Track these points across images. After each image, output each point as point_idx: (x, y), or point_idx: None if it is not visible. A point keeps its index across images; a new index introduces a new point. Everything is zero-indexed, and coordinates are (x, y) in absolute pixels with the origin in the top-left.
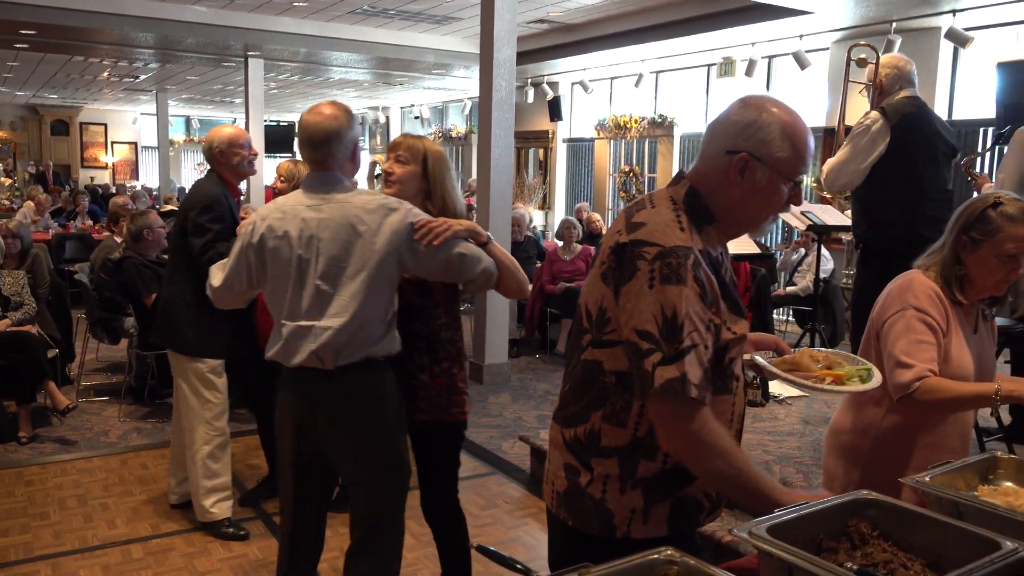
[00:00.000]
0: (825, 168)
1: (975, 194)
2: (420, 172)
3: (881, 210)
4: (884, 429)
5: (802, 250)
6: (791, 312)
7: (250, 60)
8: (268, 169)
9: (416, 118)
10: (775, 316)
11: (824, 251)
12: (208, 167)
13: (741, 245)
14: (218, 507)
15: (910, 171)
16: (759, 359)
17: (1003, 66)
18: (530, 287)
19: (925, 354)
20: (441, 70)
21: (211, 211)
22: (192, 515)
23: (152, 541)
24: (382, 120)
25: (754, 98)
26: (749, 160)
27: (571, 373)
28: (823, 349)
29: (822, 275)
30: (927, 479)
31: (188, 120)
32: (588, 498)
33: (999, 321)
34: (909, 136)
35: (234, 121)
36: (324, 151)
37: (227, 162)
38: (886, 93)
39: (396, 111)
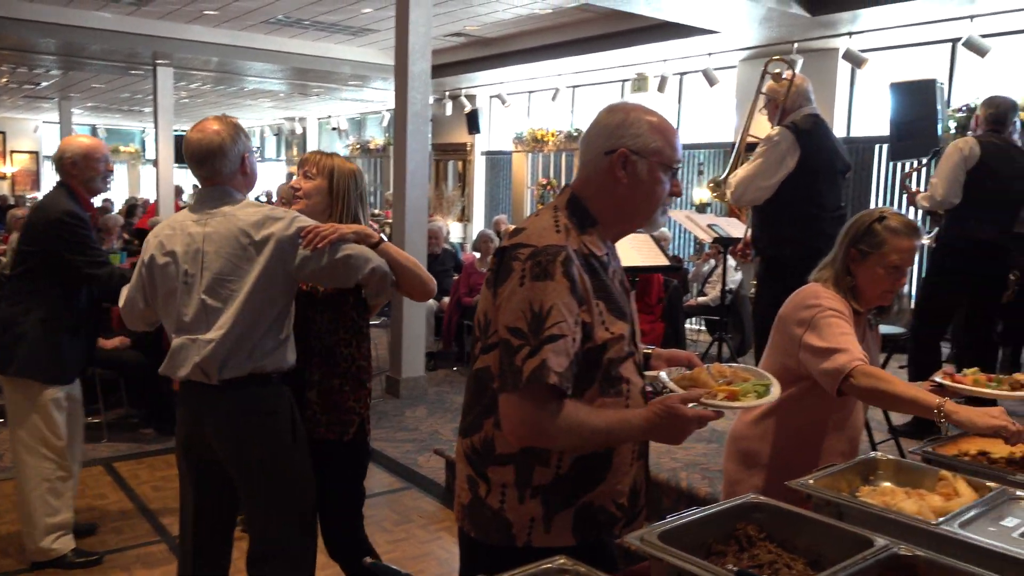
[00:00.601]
0: (733, 181)
1: (909, 207)
2: (326, 188)
3: (781, 225)
4: (783, 435)
5: (712, 261)
6: (703, 322)
7: (159, 68)
8: (181, 180)
9: (334, 129)
10: (689, 326)
11: (732, 262)
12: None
13: (651, 257)
14: (60, 542)
15: (809, 188)
16: (662, 375)
17: (896, 86)
18: (435, 287)
19: (854, 344)
20: (358, 82)
21: (84, 226)
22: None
23: None
24: (299, 131)
25: (618, 104)
26: (628, 154)
27: (467, 383)
28: (734, 364)
29: (731, 285)
30: (811, 482)
31: (94, 129)
32: (488, 509)
33: (888, 329)
34: (810, 153)
35: (143, 131)
36: (208, 167)
37: (80, 176)
38: (789, 111)
39: (313, 122)
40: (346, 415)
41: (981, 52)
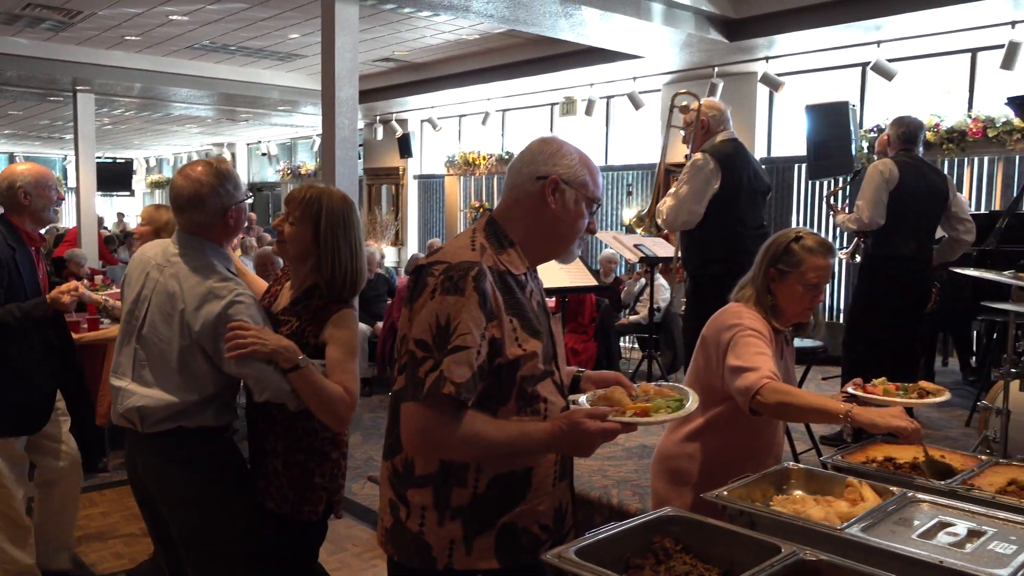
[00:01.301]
0: (663, 208)
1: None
2: (310, 236)
3: (707, 246)
4: (710, 453)
5: (643, 280)
6: (636, 340)
7: (79, 95)
8: (103, 210)
9: (263, 155)
10: (624, 344)
11: (663, 281)
12: None
13: (581, 277)
14: None
15: (732, 208)
16: (582, 399)
17: (811, 108)
18: (350, 416)
19: (766, 363)
20: (288, 107)
21: None
22: None
23: None
24: (227, 157)
25: (551, 136)
26: (559, 182)
27: (389, 405)
28: (663, 383)
29: (662, 303)
30: (725, 493)
31: (12, 157)
32: (408, 532)
33: (807, 343)
34: (731, 176)
35: (64, 159)
36: (186, 215)
37: (32, 206)
38: (711, 133)
39: (243, 148)
40: (314, 492)
41: (888, 75)
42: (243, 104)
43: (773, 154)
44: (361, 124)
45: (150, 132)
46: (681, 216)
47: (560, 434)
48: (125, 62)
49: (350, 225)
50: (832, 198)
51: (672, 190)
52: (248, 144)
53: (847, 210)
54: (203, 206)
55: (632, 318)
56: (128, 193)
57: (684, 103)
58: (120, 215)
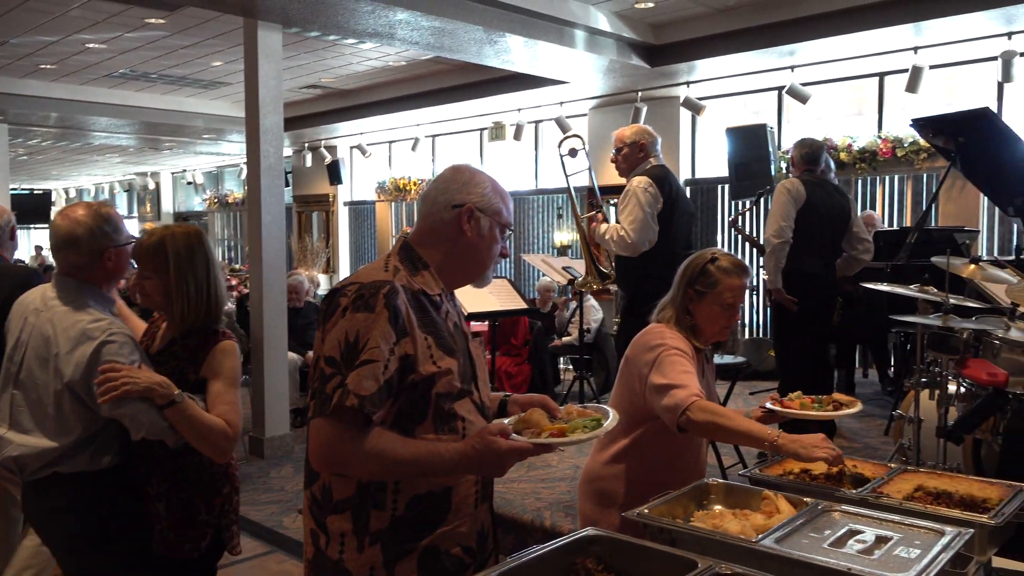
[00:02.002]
0: (622, 231)
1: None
2: (162, 286)
3: (644, 265)
4: (636, 473)
5: (573, 303)
6: (571, 362)
7: None
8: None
9: (189, 184)
10: (560, 366)
11: (595, 302)
12: None
13: (511, 301)
14: None
15: (668, 228)
16: (505, 421)
17: (731, 131)
18: (231, 446)
19: (693, 381)
20: (213, 135)
21: None
22: None
23: None
24: (151, 187)
25: (463, 165)
26: (474, 211)
27: (307, 433)
28: (589, 404)
29: (595, 324)
30: (646, 511)
31: None
32: (328, 561)
33: (730, 359)
34: (667, 197)
35: None
36: (61, 255)
37: None
38: (648, 156)
39: (167, 177)
40: (195, 529)
41: (802, 99)
42: (166, 133)
43: (697, 175)
44: (289, 151)
45: (69, 162)
46: (647, 235)
47: (472, 453)
48: (40, 91)
49: (196, 256)
50: (739, 220)
51: (623, 216)
52: (173, 173)
53: (748, 230)
54: (78, 246)
55: (564, 340)
56: (46, 226)
57: (571, 147)
58: (38, 248)
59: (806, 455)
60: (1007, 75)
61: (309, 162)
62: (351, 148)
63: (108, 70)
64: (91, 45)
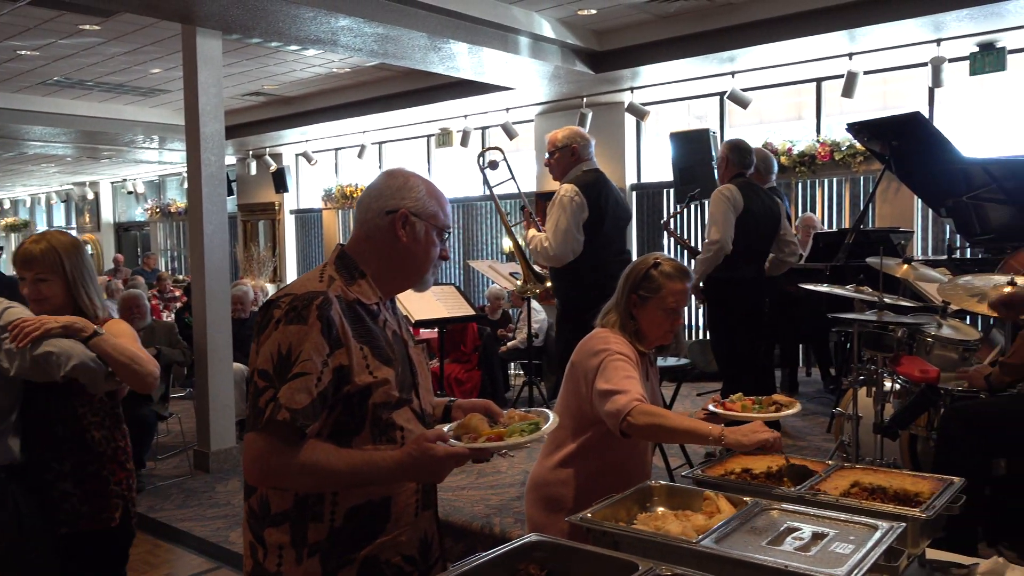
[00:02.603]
0: (546, 243)
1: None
2: (62, 284)
3: (577, 272)
4: (583, 478)
5: (517, 309)
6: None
7: None
8: None
9: (129, 193)
10: (512, 371)
11: (537, 305)
12: None
13: (459, 308)
14: None
15: (598, 235)
16: (446, 427)
17: (675, 136)
18: (155, 379)
19: (635, 386)
20: (153, 143)
21: None
22: None
23: None
24: (90, 197)
25: (397, 169)
26: (408, 216)
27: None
28: (532, 409)
29: (537, 326)
30: (590, 515)
31: None
32: (267, 573)
33: (676, 362)
34: (596, 204)
35: None
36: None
37: None
38: (581, 160)
39: (107, 186)
40: (113, 499)
41: (743, 104)
42: (105, 141)
43: (643, 180)
44: (233, 159)
45: (2, 172)
46: (570, 246)
47: (409, 460)
48: None
49: (82, 257)
50: (671, 222)
51: (548, 226)
52: (113, 183)
53: (680, 232)
54: None
55: (511, 344)
56: None
57: (492, 158)
58: None
59: (748, 441)
60: (937, 80)
61: (254, 170)
62: (297, 156)
63: (42, 77)
64: (23, 52)
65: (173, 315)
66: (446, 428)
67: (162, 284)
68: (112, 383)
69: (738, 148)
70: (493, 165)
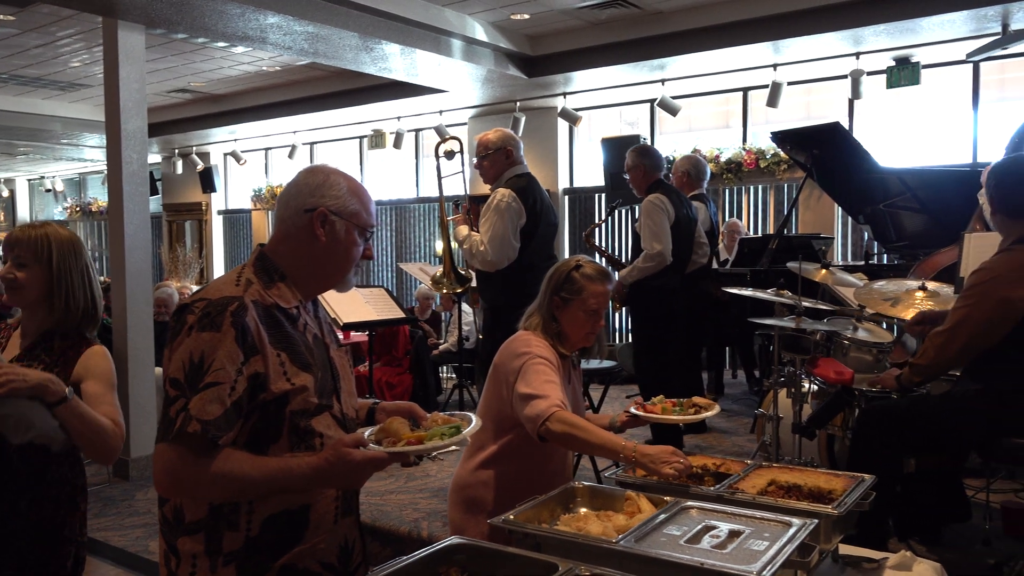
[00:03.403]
0: (483, 247)
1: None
2: (44, 277)
3: (506, 276)
4: (504, 480)
5: (448, 313)
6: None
7: None
8: None
9: (48, 191)
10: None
11: (467, 308)
12: None
13: (389, 310)
14: None
15: (530, 241)
16: (367, 431)
17: (606, 141)
18: (118, 448)
19: (555, 391)
20: (73, 140)
21: None
22: None
23: None
24: (5, 194)
25: (318, 166)
26: (327, 214)
27: None
28: (457, 412)
29: (467, 328)
30: (512, 517)
31: None
32: None
33: (604, 364)
34: (528, 209)
35: None
36: None
37: None
38: (515, 163)
39: (23, 184)
40: (62, 547)
41: (673, 111)
42: (21, 137)
43: (575, 184)
44: (158, 158)
45: None
46: (505, 252)
47: (327, 466)
48: None
49: (80, 257)
50: (593, 234)
51: (483, 230)
52: (30, 180)
53: (602, 244)
54: None
55: (442, 347)
56: None
57: (448, 148)
58: None
59: (653, 470)
60: (856, 92)
61: (180, 169)
62: (225, 155)
63: None
64: None
65: None
66: (367, 432)
67: None
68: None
69: (648, 153)
70: (450, 155)
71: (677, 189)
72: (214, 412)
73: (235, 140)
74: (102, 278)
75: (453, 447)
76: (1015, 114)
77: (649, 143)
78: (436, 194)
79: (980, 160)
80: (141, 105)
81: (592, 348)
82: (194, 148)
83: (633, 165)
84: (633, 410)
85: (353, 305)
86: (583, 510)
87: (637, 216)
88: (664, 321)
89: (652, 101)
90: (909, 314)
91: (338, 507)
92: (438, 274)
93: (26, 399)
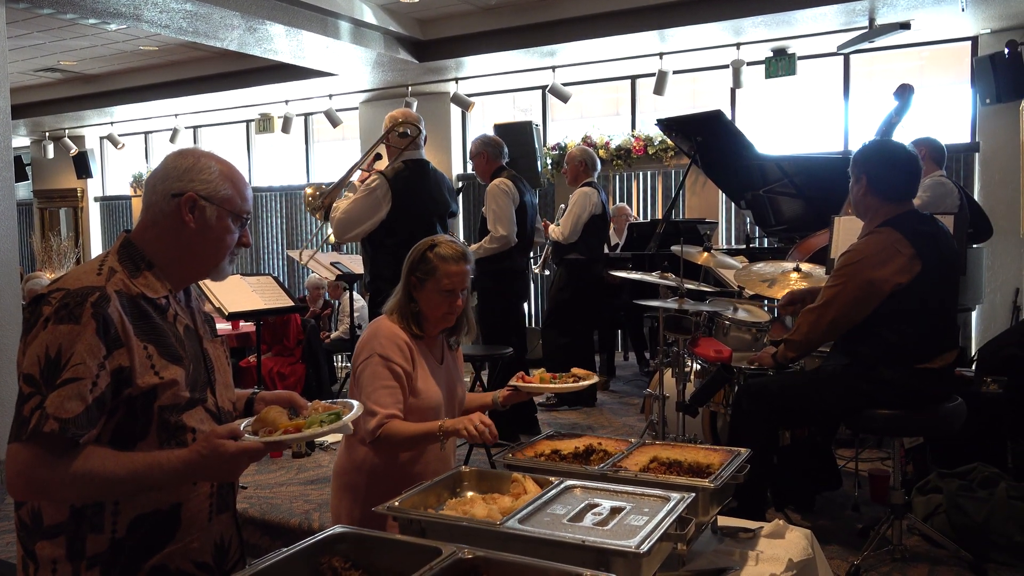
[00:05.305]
0: (335, 218)
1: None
2: None
3: (385, 266)
4: (376, 464)
5: (336, 301)
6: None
7: None
8: None
9: None
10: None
11: (357, 295)
12: None
13: (277, 299)
14: None
15: (410, 229)
16: (243, 423)
17: (499, 127)
18: None
19: (390, 398)
20: None
21: None
22: None
23: None
24: None
25: (188, 148)
26: (197, 199)
27: None
28: (338, 400)
29: (357, 315)
30: (396, 503)
31: None
32: None
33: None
34: (406, 198)
35: None
36: None
37: None
38: (415, 147)
39: None
40: None
41: (563, 98)
42: None
43: (469, 170)
44: (27, 141)
45: None
46: (348, 232)
47: (198, 459)
48: None
49: None
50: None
51: (349, 198)
52: None
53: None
54: None
55: (334, 335)
56: None
57: (402, 128)
58: None
59: (458, 431)
60: (737, 82)
61: (51, 153)
62: (101, 139)
63: None
64: None
65: None
66: (243, 423)
67: None
68: None
69: (492, 142)
70: (403, 135)
71: (518, 175)
72: (74, 409)
73: (112, 123)
74: None
75: (333, 434)
76: (882, 104)
77: (542, 129)
78: (328, 180)
79: (851, 148)
80: (3, 83)
81: (459, 328)
82: (67, 131)
83: (477, 152)
84: (513, 382)
85: (239, 294)
86: (470, 494)
87: (484, 200)
88: (509, 302)
89: (544, 88)
90: (784, 294)
91: (212, 504)
92: (318, 192)
93: None
